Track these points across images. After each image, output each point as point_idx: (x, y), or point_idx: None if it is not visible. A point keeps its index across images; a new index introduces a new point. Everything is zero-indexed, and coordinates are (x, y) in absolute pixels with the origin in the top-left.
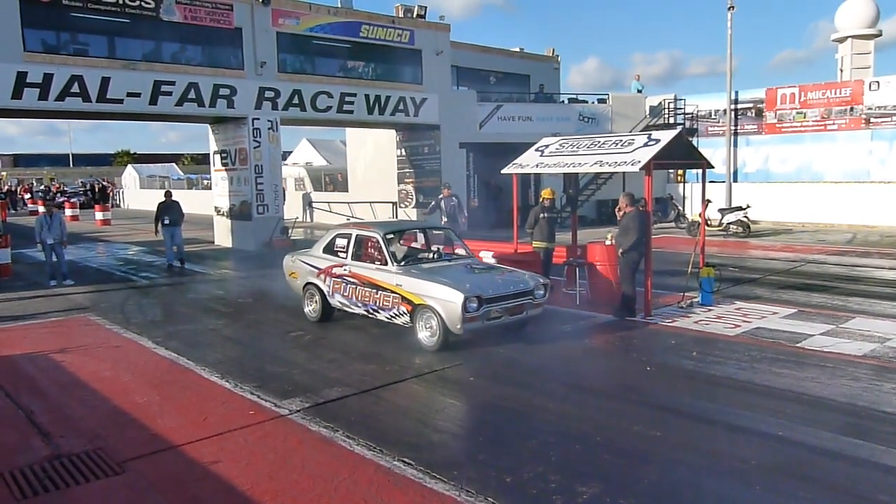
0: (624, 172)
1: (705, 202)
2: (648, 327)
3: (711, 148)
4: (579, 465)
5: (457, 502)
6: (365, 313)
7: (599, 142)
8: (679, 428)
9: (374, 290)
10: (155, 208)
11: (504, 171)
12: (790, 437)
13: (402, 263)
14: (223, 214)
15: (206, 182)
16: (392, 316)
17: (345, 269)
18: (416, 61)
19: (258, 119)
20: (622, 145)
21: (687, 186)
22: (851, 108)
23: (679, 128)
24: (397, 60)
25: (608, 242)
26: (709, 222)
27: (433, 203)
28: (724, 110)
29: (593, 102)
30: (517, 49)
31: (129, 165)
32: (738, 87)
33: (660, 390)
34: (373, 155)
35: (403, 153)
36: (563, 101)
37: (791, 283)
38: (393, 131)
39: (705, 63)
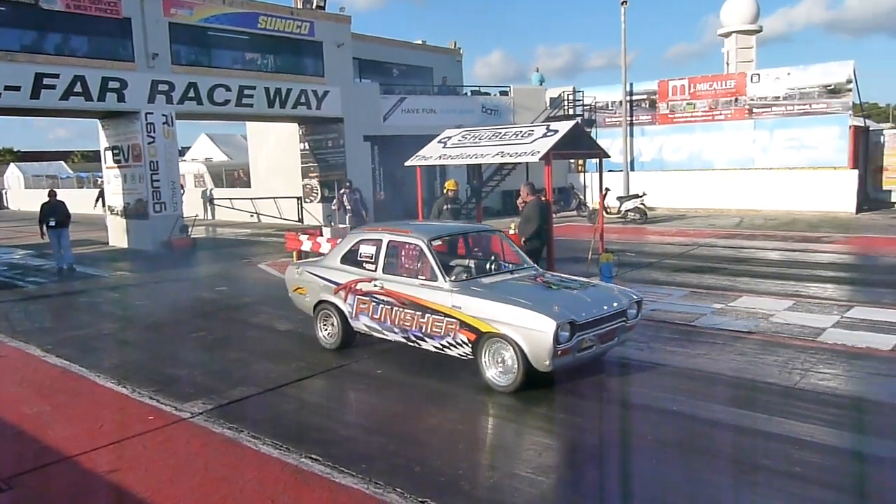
0: (526, 163)
1: (603, 191)
2: None
3: (609, 138)
4: (489, 450)
5: (366, 495)
6: (404, 340)
7: (500, 133)
8: (581, 409)
9: (420, 313)
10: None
11: (408, 163)
12: (683, 412)
13: (456, 278)
14: (117, 213)
15: (98, 180)
16: (445, 346)
17: (375, 285)
18: (317, 53)
19: (152, 113)
20: (522, 136)
21: (587, 176)
22: (736, 100)
23: (576, 119)
24: (298, 52)
25: (511, 232)
26: (608, 210)
27: (336, 198)
28: (620, 102)
29: (496, 95)
30: (420, 42)
31: (12, 164)
32: (636, 80)
33: (560, 374)
34: (275, 149)
35: (307, 147)
36: (466, 94)
37: (685, 266)
38: (295, 125)
39: (606, 56)
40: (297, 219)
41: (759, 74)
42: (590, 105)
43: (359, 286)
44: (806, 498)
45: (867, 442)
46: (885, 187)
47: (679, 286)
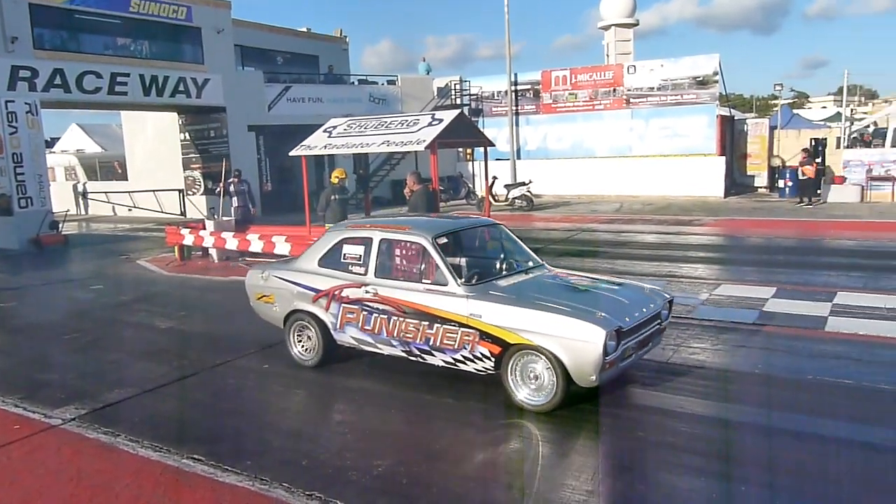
0: (416, 152)
1: (488, 179)
2: None
3: (496, 127)
4: (377, 440)
5: (251, 492)
6: (403, 355)
7: (386, 122)
8: (469, 392)
9: (426, 323)
10: None
11: (292, 153)
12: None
13: (470, 281)
14: None
15: None
16: (458, 360)
17: (366, 292)
18: (196, 39)
19: (13, 102)
20: (408, 125)
21: (476, 164)
22: (614, 90)
23: (461, 108)
24: (175, 38)
25: None
26: (496, 197)
27: (220, 190)
28: (506, 92)
29: (383, 84)
30: (305, 29)
31: None
32: (523, 70)
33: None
34: (154, 140)
35: (188, 137)
36: (353, 83)
37: (568, 251)
38: (175, 114)
39: (494, 46)
40: (179, 212)
41: (635, 66)
42: (476, 95)
43: (345, 293)
44: (677, 464)
45: (733, 410)
46: (748, 173)
47: (562, 270)
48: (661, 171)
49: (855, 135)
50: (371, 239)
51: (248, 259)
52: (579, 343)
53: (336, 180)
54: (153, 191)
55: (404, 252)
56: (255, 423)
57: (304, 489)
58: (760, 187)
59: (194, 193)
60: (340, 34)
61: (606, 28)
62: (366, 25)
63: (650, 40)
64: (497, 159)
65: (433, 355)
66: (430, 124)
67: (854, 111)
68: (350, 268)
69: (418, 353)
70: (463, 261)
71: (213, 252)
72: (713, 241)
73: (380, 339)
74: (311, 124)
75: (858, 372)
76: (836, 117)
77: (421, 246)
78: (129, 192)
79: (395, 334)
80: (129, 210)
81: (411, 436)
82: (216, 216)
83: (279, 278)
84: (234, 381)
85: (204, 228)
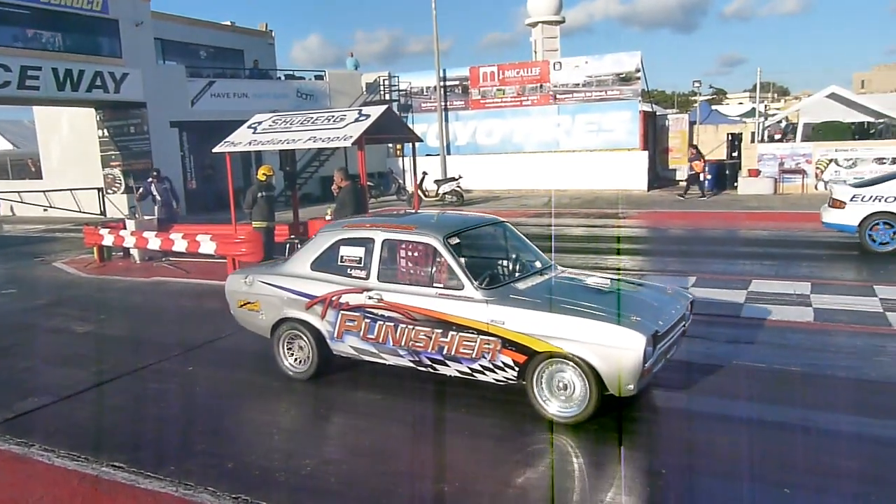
0: (345, 148)
1: (416, 175)
2: None
3: (426, 123)
4: (303, 440)
5: (174, 498)
6: (411, 365)
7: (312, 118)
8: (397, 389)
9: (440, 331)
10: None
11: (215, 149)
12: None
13: (488, 284)
14: None
15: None
16: (477, 370)
17: (369, 297)
18: (113, 32)
19: None
20: (335, 121)
21: (406, 160)
22: (541, 86)
23: (389, 104)
24: (90, 31)
25: (328, 217)
26: (427, 193)
27: (141, 188)
28: (435, 87)
29: (311, 79)
30: (228, 23)
31: None
32: (453, 66)
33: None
34: (70, 136)
35: (106, 134)
36: (279, 78)
37: None
38: (92, 109)
39: (424, 42)
40: (98, 211)
41: (561, 63)
42: (405, 90)
43: (344, 299)
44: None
45: (650, 395)
46: (670, 166)
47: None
48: (588, 166)
49: (767, 130)
50: (372, 240)
51: (171, 259)
52: (617, 350)
53: (263, 177)
54: (70, 189)
55: (411, 254)
56: (178, 428)
57: (231, 492)
58: (681, 181)
59: (115, 192)
60: (266, 28)
61: (534, 25)
62: (293, 20)
63: (577, 37)
64: (427, 155)
65: (446, 365)
66: (357, 120)
67: (768, 107)
68: (349, 271)
69: (429, 363)
70: (475, 262)
71: (134, 252)
72: (637, 234)
73: (385, 349)
74: (236, 120)
75: (772, 355)
76: (752, 113)
77: (431, 247)
78: (43, 191)
79: (402, 343)
80: (45, 210)
81: (340, 436)
82: (137, 215)
83: (266, 283)
84: (156, 386)
85: (124, 228)
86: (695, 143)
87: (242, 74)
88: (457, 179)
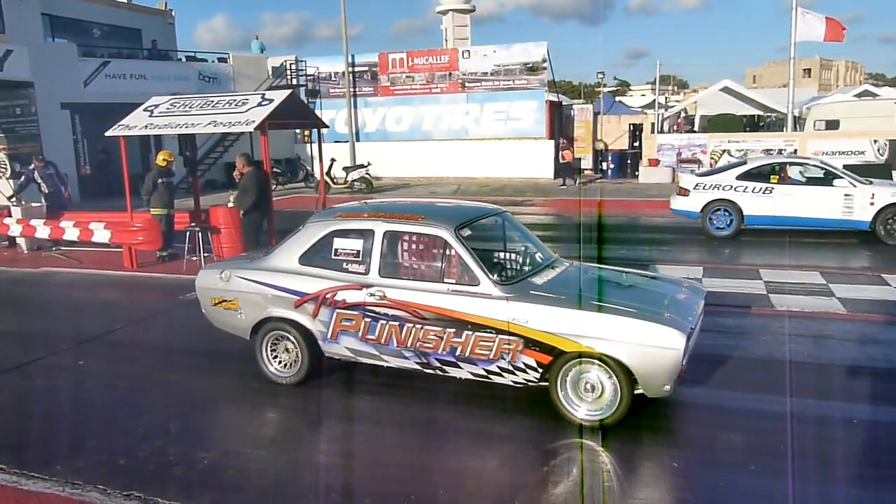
0: (250, 134)
1: (322, 162)
2: None
3: (335, 109)
4: (201, 433)
5: (61, 498)
6: (417, 367)
7: (213, 101)
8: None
9: (453, 330)
10: None
11: (109, 133)
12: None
13: (507, 280)
14: None
15: None
16: (494, 372)
17: (370, 294)
18: None
19: None
20: (236, 105)
21: (314, 146)
22: (450, 74)
23: (295, 89)
24: None
25: (230, 205)
26: (335, 180)
27: (24, 175)
28: (343, 73)
29: (214, 62)
30: (124, 0)
31: None
32: (364, 52)
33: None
34: None
35: None
36: (180, 59)
37: None
38: None
39: (334, 26)
40: None
41: (469, 51)
42: (313, 75)
43: (340, 296)
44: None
45: None
46: (576, 155)
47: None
48: (496, 154)
49: (667, 121)
50: (372, 231)
51: (62, 249)
52: (654, 349)
53: (163, 163)
54: None
55: (417, 246)
56: (67, 426)
57: (122, 489)
58: (586, 169)
59: (0, 177)
60: (165, 7)
61: (444, 13)
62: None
63: (489, 26)
64: (336, 142)
65: (459, 367)
66: (259, 104)
67: (668, 99)
68: (345, 266)
69: (439, 365)
70: (485, 255)
71: (21, 241)
72: (543, 220)
73: (387, 351)
74: (133, 103)
75: None
76: (653, 104)
77: (440, 239)
78: None
79: (408, 344)
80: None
81: (239, 427)
82: (23, 202)
83: (246, 279)
84: (43, 381)
85: (10, 215)
86: (571, 135)
87: (140, 55)
88: (366, 167)
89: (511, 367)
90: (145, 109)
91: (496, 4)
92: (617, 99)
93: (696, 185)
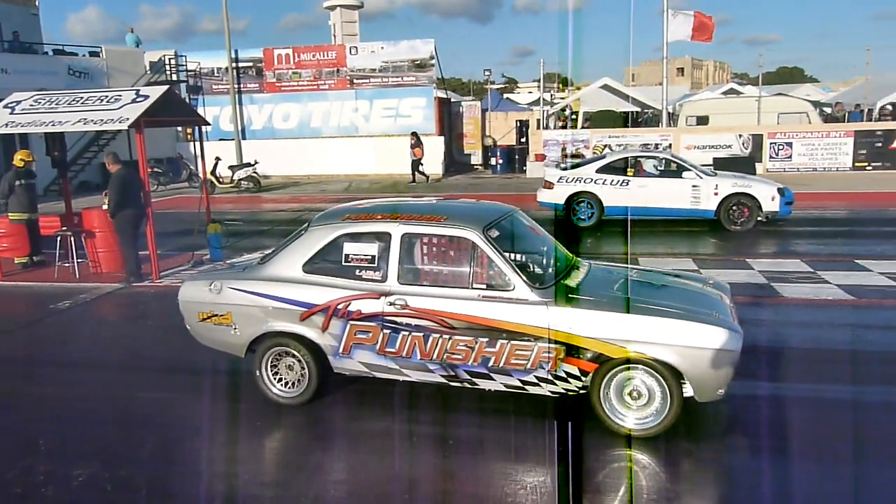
0: (127, 132)
1: (205, 160)
2: (157, 290)
3: (218, 106)
4: (76, 446)
5: None
6: (443, 381)
7: (83, 98)
8: (188, 386)
9: (486, 339)
10: None
11: None
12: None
13: (541, 284)
14: None
15: None
16: (531, 382)
17: (390, 304)
18: None
19: None
20: (109, 102)
21: (199, 145)
22: (338, 70)
23: (172, 85)
24: None
25: (104, 207)
26: (221, 179)
27: None
28: (227, 68)
29: (85, 56)
30: None
31: None
32: (249, 47)
33: (169, 352)
34: None
35: None
36: (47, 53)
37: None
38: None
39: (218, 20)
40: None
41: (356, 47)
42: (195, 71)
43: (354, 307)
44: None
45: None
46: (465, 151)
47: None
48: (387, 151)
49: (552, 116)
50: (388, 234)
51: None
52: (709, 351)
53: (21, 164)
54: None
55: (439, 250)
56: None
57: None
58: (476, 165)
59: None
60: None
61: (332, 8)
62: None
63: (378, 22)
64: (221, 140)
65: (491, 379)
66: (134, 101)
67: (553, 96)
68: (358, 273)
69: (467, 377)
70: (514, 257)
71: None
72: None
73: (410, 364)
74: None
75: None
76: (539, 102)
77: (467, 241)
78: None
79: (434, 356)
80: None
81: (118, 440)
82: None
83: (241, 291)
84: None
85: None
86: (415, 132)
87: (0, 47)
88: (253, 165)
89: (550, 377)
90: (6, 106)
91: (386, 1)
92: (505, 96)
93: (560, 179)
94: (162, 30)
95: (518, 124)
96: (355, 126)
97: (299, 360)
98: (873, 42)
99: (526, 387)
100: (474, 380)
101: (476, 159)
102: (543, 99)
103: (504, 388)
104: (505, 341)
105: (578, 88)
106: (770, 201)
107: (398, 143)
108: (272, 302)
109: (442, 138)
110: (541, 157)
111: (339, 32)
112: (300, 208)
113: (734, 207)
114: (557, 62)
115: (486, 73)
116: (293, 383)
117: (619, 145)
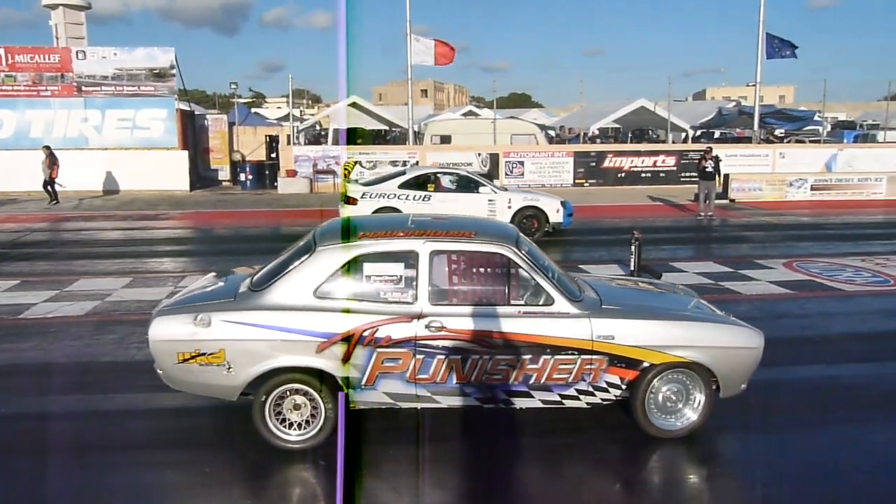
0: None
1: None
2: None
3: None
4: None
5: None
6: (477, 403)
7: None
8: None
9: (529, 356)
10: None
11: None
12: (16, 413)
13: (577, 297)
14: None
15: None
16: (570, 396)
17: (425, 327)
18: None
19: None
20: None
21: None
22: (62, 76)
23: None
24: None
25: None
26: None
27: None
28: None
29: None
30: None
31: None
32: None
33: None
34: None
35: None
36: None
37: (14, 255)
38: None
39: None
40: None
41: (84, 52)
42: None
43: (382, 332)
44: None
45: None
46: (213, 166)
47: (7, 276)
48: (123, 165)
49: (303, 133)
50: (416, 252)
51: None
52: (739, 350)
53: None
54: None
55: (470, 267)
56: None
57: None
58: (224, 180)
59: None
60: None
61: (53, 7)
62: None
63: (112, 28)
64: None
65: (530, 397)
66: None
67: (303, 112)
68: (383, 295)
69: (504, 397)
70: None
71: None
72: (180, 234)
73: (443, 390)
74: None
75: None
76: (289, 117)
77: (502, 257)
78: None
79: (472, 379)
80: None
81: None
82: None
83: (239, 323)
84: None
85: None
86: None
87: None
88: None
89: (591, 389)
90: None
91: (120, 4)
92: (253, 110)
93: (364, 195)
94: None
95: (268, 139)
96: (85, 137)
97: (311, 398)
98: (585, 74)
99: (564, 401)
100: (511, 399)
101: (224, 175)
102: (293, 115)
103: (541, 405)
104: (549, 356)
105: (328, 105)
106: (555, 213)
107: (135, 157)
108: (282, 334)
109: (186, 153)
110: (292, 173)
111: (62, 34)
112: (19, 228)
113: (525, 220)
114: (305, 78)
115: (233, 86)
116: (302, 425)
117: (370, 162)
